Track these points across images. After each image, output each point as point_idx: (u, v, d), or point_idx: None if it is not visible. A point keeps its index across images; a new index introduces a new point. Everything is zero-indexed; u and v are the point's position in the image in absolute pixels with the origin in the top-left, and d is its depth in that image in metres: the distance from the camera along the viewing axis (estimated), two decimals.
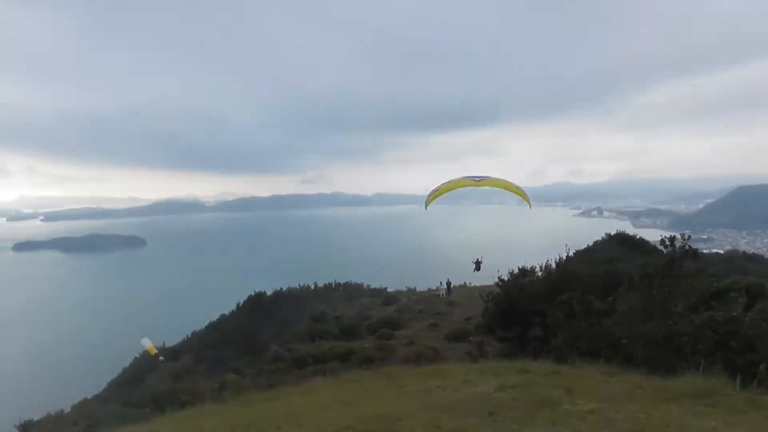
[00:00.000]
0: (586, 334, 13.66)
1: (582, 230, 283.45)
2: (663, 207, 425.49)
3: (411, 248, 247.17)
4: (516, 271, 22.01)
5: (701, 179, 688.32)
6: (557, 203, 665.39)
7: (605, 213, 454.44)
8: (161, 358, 36.22)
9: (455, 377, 11.21)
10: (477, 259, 32.50)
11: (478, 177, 22.45)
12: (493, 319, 19.90)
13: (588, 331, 13.80)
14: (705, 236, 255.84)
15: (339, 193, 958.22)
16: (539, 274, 21.02)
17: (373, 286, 59.10)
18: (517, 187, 22.96)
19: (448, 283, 48.78)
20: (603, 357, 12.67)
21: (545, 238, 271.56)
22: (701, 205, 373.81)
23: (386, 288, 59.22)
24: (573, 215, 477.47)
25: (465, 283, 56.43)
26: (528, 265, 22.49)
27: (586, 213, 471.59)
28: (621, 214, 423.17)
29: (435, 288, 52.17)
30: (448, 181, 21.84)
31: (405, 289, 57.77)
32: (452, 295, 47.26)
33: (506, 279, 21.45)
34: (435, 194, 21.52)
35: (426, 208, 21.75)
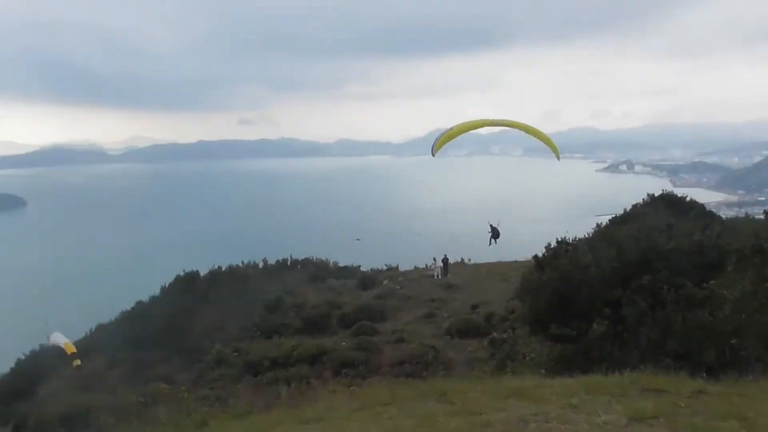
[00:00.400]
0: (680, 331, 13.02)
1: (609, 190, 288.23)
2: (710, 160, 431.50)
3: (389, 213, 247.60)
4: (554, 244, 22.18)
5: (760, 125, 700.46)
6: (576, 155, 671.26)
7: (637, 167, 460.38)
8: (78, 361, 34.91)
9: (547, 399, 10.10)
10: (493, 225, 32.73)
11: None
12: (545, 310, 19.29)
13: (681, 326, 13.15)
14: (763, 197, 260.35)
15: (290, 140, 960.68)
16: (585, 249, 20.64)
17: (342, 264, 58.14)
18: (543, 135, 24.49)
19: (445, 260, 48.85)
20: (695, 361, 12.43)
21: (563, 201, 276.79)
22: (759, 158, 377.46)
23: (360, 267, 58.71)
24: (597, 170, 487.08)
25: (463, 259, 56.67)
26: (558, 236, 22.91)
27: (613, 168, 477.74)
28: (657, 168, 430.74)
29: (427, 266, 52.39)
30: (462, 123, 22.99)
31: (385, 267, 57.86)
32: (449, 276, 47.11)
33: (548, 253, 21.54)
34: (447, 135, 22.48)
35: (433, 153, 22.75)
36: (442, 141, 22.78)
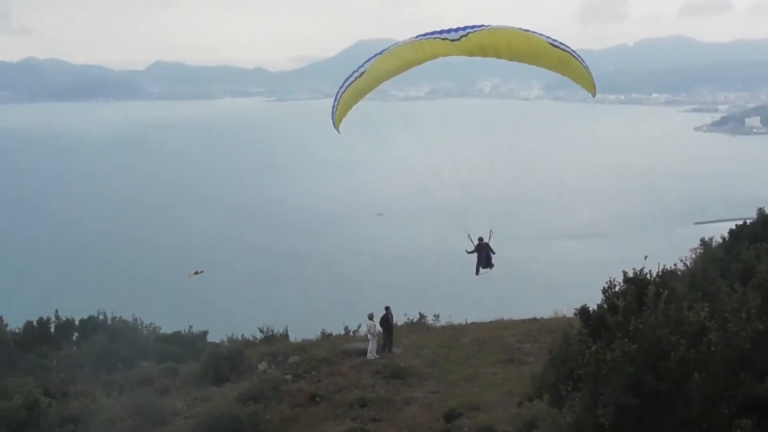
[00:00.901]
0: None
1: (725, 170, 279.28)
2: None
3: (270, 223, 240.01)
4: (620, 281, 20.99)
5: None
6: (654, 94, 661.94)
7: None
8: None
9: None
10: (480, 240, 32.92)
11: (458, 30, 24.51)
12: (616, 424, 17.80)
13: None
14: None
15: (52, 62, 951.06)
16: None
17: (168, 330, 51.99)
18: (556, 46, 25.17)
19: (387, 318, 42.27)
20: None
21: (624, 192, 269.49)
22: None
23: (207, 334, 52.87)
24: (698, 127, 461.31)
25: (424, 317, 50.49)
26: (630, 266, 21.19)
27: (735, 122, 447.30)
28: None
29: (350, 331, 48.33)
30: (383, 54, 25.44)
31: (261, 335, 50.64)
32: (396, 350, 41.89)
33: (613, 303, 20.47)
34: (354, 91, 24.58)
35: (337, 128, 25.09)
36: (346, 103, 23.83)
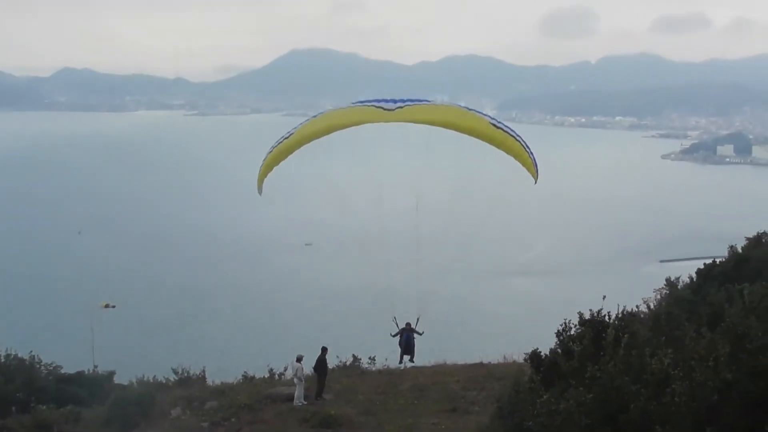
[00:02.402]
0: None
1: (692, 202, 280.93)
2: None
3: (178, 247, 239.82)
4: (576, 324, 21.76)
5: None
6: (617, 117, 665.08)
7: (758, 151, 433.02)
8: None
9: None
10: (405, 324, 36.63)
11: (396, 101, 28.18)
12: None
13: None
14: None
15: None
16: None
17: (64, 369, 51.41)
18: (498, 127, 28.39)
19: (321, 361, 41.76)
20: None
21: (584, 227, 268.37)
22: None
23: (114, 374, 53.41)
24: (666, 155, 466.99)
25: (357, 359, 51.02)
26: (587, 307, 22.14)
27: (705, 149, 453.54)
28: None
29: (274, 374, 48.73)
30: (315, 117, 29.73)
31: (175, 377, 50.35)
32: (326, 397, 41.39)
33: (568, 347, 21.10)
34: (276, 154, 28.55)
35: (260, 191, 28.73)
36: (268, 165, 27.63)
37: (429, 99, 27.02)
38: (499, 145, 26.74)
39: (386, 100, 28.85)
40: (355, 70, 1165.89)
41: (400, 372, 44.35)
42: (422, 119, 27.02)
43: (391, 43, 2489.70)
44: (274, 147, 28.30)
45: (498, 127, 29.20)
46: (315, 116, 30.84)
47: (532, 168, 28.18)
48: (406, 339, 39.30)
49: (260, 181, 25.97)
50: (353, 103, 31.42)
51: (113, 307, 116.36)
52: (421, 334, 40.17)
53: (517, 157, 28.23)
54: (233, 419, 38.17)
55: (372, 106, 28.84)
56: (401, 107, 28.30)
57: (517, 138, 29.29)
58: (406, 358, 40.18)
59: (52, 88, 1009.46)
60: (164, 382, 48.78)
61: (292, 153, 27.23)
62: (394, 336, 39.02)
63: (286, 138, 29.01)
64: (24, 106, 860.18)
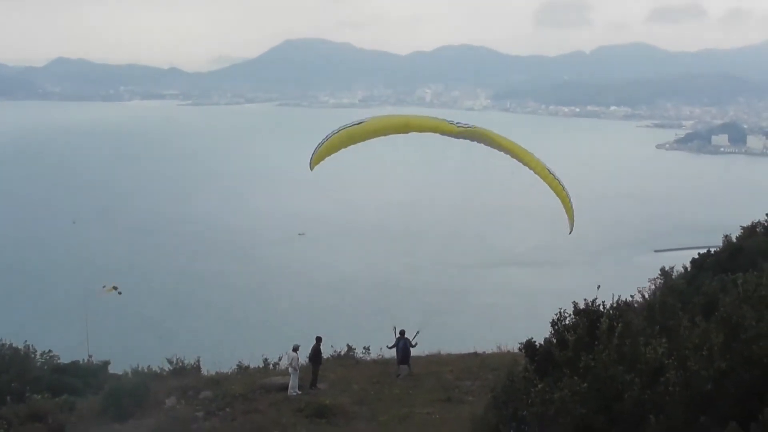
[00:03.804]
0: None
1: (688, 192, 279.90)
2: None
3: (172, 237, 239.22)
4: (571, 313, 21.62)
5: None
6: (611, 107, 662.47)
7: (753, 140, 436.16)
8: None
9: None
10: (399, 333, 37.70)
11: (461, 124, 30.15)
12: None
13: None
14: None
15: None
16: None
17: (59, 359, 51.48)
18: (551, 174, 30.51)
19: (315, 351, 41.92)
20: None
21: (577, 217, 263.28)
22: None
23: (109, 364, 53.86)
24: (661, 144, 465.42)
25: (352, 349, 50.27)
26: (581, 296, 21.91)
27: (700, 139, 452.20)
28: None
29: (269, 364, 48.54)
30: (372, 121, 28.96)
31: (169, 367, 49.77)
32: (321, 387, 41.17)
33: (562, 336, 21.10)
34: (339, 139, 27.72)
35: (311, 166, 26.97)
36: (327, 149, 26.43)
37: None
38: (552, 186, 28.51)
39: (457, 123, 30.58)
40: (349, 59, 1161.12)
41: (394, 362, 44.17)
42: (490, 141, 28.61)
43: (385, 33, 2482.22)
44: (341, 128, 28.46)
45: (551, 173, 31.41)
46: (389, 114, 32.55)
47: (572, 218, 29.76)
48: (403, 347, 39.37)
49: (320, 158, 25.84)
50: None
51: (119, 293, 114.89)
52: (414, 346, 40.33)
53: (562, 201, 29.94)
54: (228, 409, 38.00)
55: (444, 120, 30.62)
56: (467, 126, 29.99)
57: (565, 188, 30.77)
58: (404, 368, 40.23)
59: (46, 78, 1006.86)
60: (158, 372, 48.44)
61: (361, 141, 27.68)
62: (390, 348, 39.29)
63: (357, 124, 29.23)
64: (18, 95, 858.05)
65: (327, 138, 27.97)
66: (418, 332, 38.26)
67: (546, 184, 29.58)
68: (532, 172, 29.40)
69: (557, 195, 29.62)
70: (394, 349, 40.97)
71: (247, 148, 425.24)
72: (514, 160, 29.69)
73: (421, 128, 29.44)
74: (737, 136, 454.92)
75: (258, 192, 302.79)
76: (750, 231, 46.15)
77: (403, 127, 28.90)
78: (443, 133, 28.21)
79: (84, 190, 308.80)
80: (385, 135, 28.74)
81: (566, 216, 29.76)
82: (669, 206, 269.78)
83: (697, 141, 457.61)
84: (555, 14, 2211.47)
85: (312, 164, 28.41)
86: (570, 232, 30.57)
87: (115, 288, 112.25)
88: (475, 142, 28.86)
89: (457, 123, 28.86)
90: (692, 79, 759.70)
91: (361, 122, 29.28)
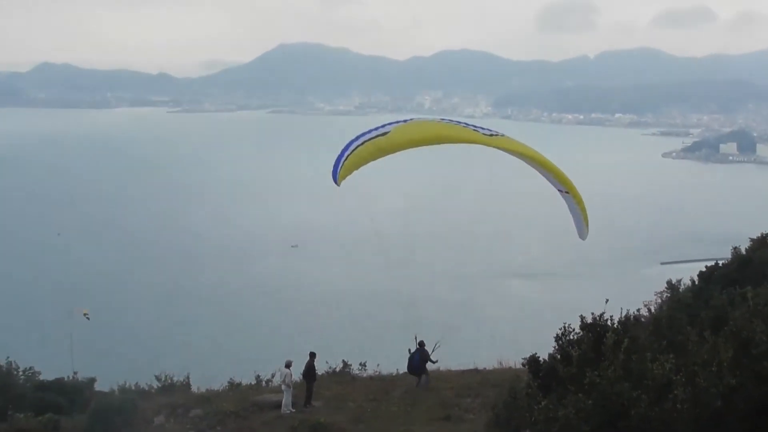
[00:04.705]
0: None
1: (695, 203, 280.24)
2: None
3: (161, 249, 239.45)
4: (577, 329, 21.76)
5: None
6: (616, 114, 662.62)
7: (762, 149, 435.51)
8: None
9: None
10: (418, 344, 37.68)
11: (486, 130, 29.66)
12: None
13: None
14: None
15: None
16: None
17: (43, 376, 52.16)
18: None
19: (309, 367, 41.55)
20: None
21: (581, 229, 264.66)
22: None
23: (95, 381, 53.49)
24: (667, 153, 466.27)
25: (348, 365, 49.93)
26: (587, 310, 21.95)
27: (708, 148, 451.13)
28: None
29: (261, 380, 48.08)
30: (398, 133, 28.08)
31: (158, 384, 50.41)
32: (315, 405, 41.16)
33: (566, 352, 21.20)
34: (366, 152, 26.68)
35: (337, 182, 26.13)
36: (354, 162, 25.64)
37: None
38: (573, 195, 29.77)
39: (482, 128, 30.24)
40: (346, 65, 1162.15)
41: (392, 378, 44.20)
42: (517, 150, 28.75)
43: (383, 37, 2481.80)
44: (365, 140, 27.60)
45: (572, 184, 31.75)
46: (406, 121, 30.80)
47: (586, 228, 30.36)
48: (416, 358, 39.35)
49: (348, 171, 25.27)
50: (449, 121, 32.48)
51: (87, 318, 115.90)
52: (434, 362, 40.28)
53: (582, 210, 30.10)
54: (219, 428, 38.06)
55: (470, 128, 30.10)
56: (496, 135, 29.66)
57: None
58: (423, 379, 40.22)
59: (30, 84, 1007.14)
60: (147, 389, 48.52)
61: (390, 153, 27.30)
62: (413, 352, 39.37)
63: (380, 135, 28.36)
64: (1, 102, 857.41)
65: (350, 150, 27.30)
66: (437, 345, 38.22)
67: (568, 193, 29.73)
68: (550, 181, 29.49)
69: (578, 204, 29.99)
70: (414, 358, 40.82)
71: (239, 157, 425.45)
72: (533, 168, 29.65)
73: (455, 140, 29.07)
74: (747, 144, 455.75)
75: (249, 203, 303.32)
76: (760, 242, 45.99)
77: (435, 138, 28.44)
78: (476, 143, 27.91)
79: (69, 200, 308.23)
80: (416, 147, 28.43)
81: (583, 223, 30.09)
82: (676, 217, 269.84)
83: (705, 149, 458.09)
84: (558, 18, 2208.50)
85: (339, 179, 28.07)
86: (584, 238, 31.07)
87: (85, 314, 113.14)
88: (498, 151, 28.80)
89: (482, 130, 28.52)
90: (700, 86, 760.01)
91: (386, 133, 28.59)
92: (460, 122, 30.94)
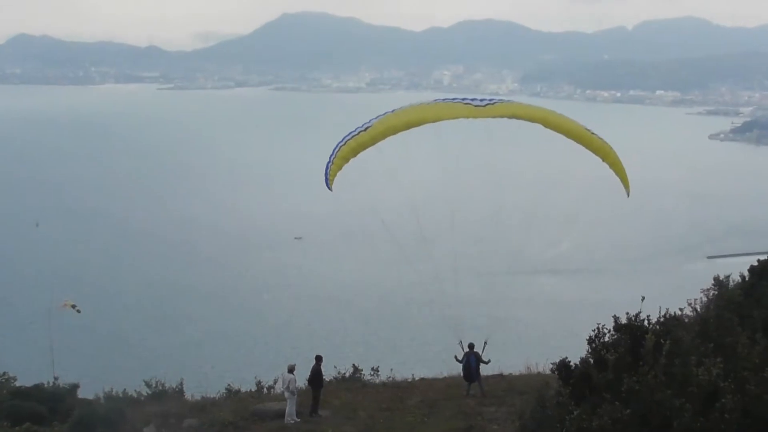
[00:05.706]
0: None
1: (745, 190, 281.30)
2: None
3: (151, 240, 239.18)
4: (611, 330, 21.65)
5: None
6: (657, 91, 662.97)
7: None
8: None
9: None
10: (467, 347, 38.13)
11: (483, 100, 30.56)
12: None
13: None
14: None
15: None
16: None
17: (20, 381, 53.16)
18: (593, 134, 31.93)
19: (316, 371, 41.25)
20: None
21: (619, 218, 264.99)
22: None
23: (78, 387, 54.49)
24: (714, 134, 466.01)
25: (358, 369, 50.41)
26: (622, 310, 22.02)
27: (760, 130, 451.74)
28: None
29: (263, 387, 48.42)
30: (395, 111, 30.35)
31: (147, 392, 50.86)
32: (322, 412, 41.19)
33: (600, 355, 21.17)
34: (357, 143, 28.95)
35: (330, 187, 28.76)
36: (338, 165, 28.05)
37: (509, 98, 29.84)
38: (596, 150, 29.11)
39: (472, 99, 31.05)
40: (355, 37, 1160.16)
41: (408, 385, 44.28)
42: (516, 114, 28.96)
43: (396, 6, 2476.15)
44: (348, 139, 29.45)
45: (594, 134, 32.55)
46: (392, 111, 32.14)
47: (627, 179, 30.35)
48: (467, 362, 39.55)
49: (333, 174, 26.74)
50: (434, 100, 33.14)
51: (78, 311, 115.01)
52: (487, 363, 40.45)
53: (612, 165, 30.42)
54: None
55: (459, 102, 30.85)
56: (492, 103, 30.40)
57: (612, 150, 31.39)
58: (473, 385, 40.41)
59: (5, 57, 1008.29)
60: (135, 396, 48.69)
61: (371, 146, 28.31)
62: (460, 361, 39.46)
63: (363, 130, 30.08)
64: None
65: (335, 153, 28.82)
66: (485, 343, 38.56)
67: (592, 152, 29.93)
68: (572, 142, 29.76)
69: (605, 159, 30.32)
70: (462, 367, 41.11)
71: (238, 139, 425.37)
72: (549, 131, 29.96)
73: (438, 117, 29.63)
74: None
75: (249, 190, 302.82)
76: None
77: (417, 121, 29.23)
78: (467, 117, 28.40)
79: (49, 187, 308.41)
80: (396, 134, 29.20)
81: (621, 183, 30.32)
82: (724, 206, 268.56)
83: (757, 130, 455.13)
84: None
85: (330, 184, 29.28)
86: (628, 195, 31.21)
87: (73, 306, 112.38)
88: (501, 120, 29.10)
89: (479, 102, 28.95)
90: (750, 59, 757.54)
91: (368, 127, 29.84)
92: (456, 99, 31.72)
